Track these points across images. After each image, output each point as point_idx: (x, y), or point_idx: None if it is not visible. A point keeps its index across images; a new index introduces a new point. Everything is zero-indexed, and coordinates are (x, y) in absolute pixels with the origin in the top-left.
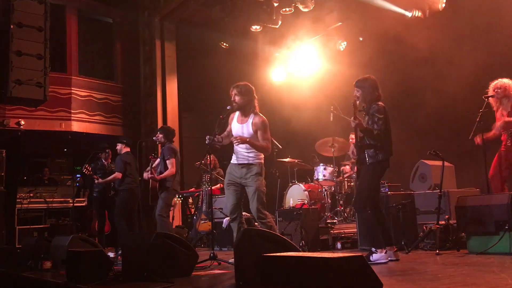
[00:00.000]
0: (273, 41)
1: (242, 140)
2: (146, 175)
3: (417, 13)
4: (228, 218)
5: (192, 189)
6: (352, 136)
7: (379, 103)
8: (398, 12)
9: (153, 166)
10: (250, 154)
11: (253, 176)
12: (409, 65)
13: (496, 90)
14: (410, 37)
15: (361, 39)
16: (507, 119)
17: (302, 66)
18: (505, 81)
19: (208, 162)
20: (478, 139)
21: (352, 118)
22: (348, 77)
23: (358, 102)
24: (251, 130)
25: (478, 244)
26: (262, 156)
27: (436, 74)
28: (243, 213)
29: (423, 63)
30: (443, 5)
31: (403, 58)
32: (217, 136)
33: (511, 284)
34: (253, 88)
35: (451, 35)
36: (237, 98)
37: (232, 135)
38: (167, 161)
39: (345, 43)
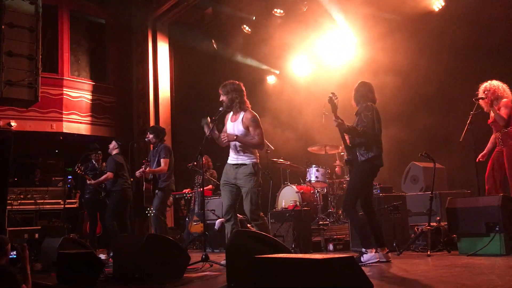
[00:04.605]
0: (266, 41)
1: (230, 138)
2: (138, 173)
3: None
4: (220, 219)
5: (188, 189)
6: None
7: (369, 103)
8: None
9: (146, 170)
10: (243, 154)
11: (247, 176)
12: (403, 68)
13: (485, 92)
14: (410, 40)
15: (356, 41)
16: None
17: (295, 67)
18: (494, 83)
19: (201, 163)
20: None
21: (334, 118)
22: (342, 79)
23: (336, 100)
24: (241, 127)
25: (468, 245)
26: (257, 155)
27: (430, 76)
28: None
29: (417, 66)
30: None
31: (399, 60)
32: (208, 118)
33: (501, 286)
34: (240, 84)
35: (448, 43)
36: (223, 98)
37: None
38: (162, 160)
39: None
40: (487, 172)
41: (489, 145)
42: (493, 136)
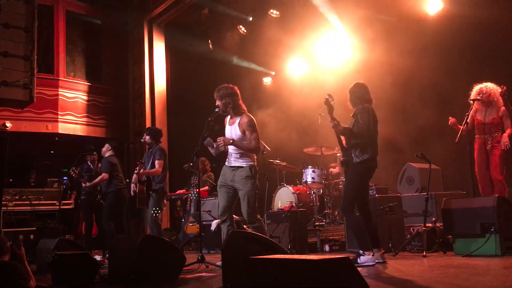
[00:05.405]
0: (262, 42)
1: (225, 142)
2: (135, 173)
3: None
4: (216, 220)
5: (183, 190)
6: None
7: (365, 104)
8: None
9: (140, 171)
10: (240, 156)
11: (243, 179)
12: (398, 69)
13: (481, 95)
14: (406, 41)
15: (352, 42)
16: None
17: (291, 68)
18: (490, 85)
19: (198, 164)
20: (452, 119)
21: (330, 120)
22: (339, 80)
23: (332, 101)
24: (238, 131)
25: (464, 246)
26: (254, 158)
27: (426, 77)
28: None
29: (413, 67)
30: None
31: (395, 61)
32: (209, 138)
33: (496, 286)
34: (234, 88)
35: (444, 44)
36: (218, 102)
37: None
38: (156, 161)
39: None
40: (477, 173)
41: (463, 133)
42: (463, 128)
